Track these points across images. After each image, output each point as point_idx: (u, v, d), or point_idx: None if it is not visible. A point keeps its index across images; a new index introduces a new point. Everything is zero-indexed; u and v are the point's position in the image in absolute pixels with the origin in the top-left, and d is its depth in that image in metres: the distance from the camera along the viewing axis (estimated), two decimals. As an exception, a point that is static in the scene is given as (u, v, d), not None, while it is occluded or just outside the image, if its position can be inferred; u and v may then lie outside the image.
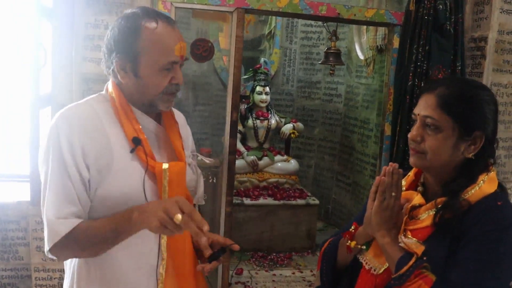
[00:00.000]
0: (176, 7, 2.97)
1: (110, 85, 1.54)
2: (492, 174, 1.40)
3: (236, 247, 1.54)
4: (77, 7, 2.78)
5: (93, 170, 1.41)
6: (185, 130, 1.75)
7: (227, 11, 3.11)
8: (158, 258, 1.50)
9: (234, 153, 3.25)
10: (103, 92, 1.57)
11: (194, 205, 1.74)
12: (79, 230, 1.38)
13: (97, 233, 1.38)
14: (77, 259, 1.50)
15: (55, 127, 1.42)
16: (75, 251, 1.45)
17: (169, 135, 1.58)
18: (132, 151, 1.45)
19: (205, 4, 2.99)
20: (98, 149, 1.42)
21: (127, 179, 1.44)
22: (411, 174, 1.55)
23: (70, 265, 1.53)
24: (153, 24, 1.45)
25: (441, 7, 3.12)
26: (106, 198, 1.43)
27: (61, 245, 1.40)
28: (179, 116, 1.75)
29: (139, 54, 1.44)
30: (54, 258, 1.46)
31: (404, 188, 1.51)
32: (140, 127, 1.49)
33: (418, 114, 1.41)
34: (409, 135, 1.43)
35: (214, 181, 3.71)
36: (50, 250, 1.42)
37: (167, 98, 1.51)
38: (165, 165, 1.48)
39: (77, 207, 1.41)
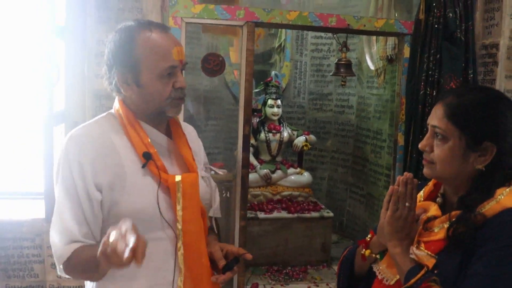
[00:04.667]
0: (186, 22, 2.99)
1: (116, 103, 1.55)
2: None
3: (249, 256, 1.54)
4: (89, 24, 2.81)
5: (105, 190, 1.42)
6: (197, 143, 1.75)
7: (237, 25, 3.13)
8: (174, 272, 1.49)
9: (247, 167, 3.25)
10: (112, 110, 1.57)
11: (210, 218, 1.73)
12: (75, 254, 1.40)
13: (87, 260, 1.37)
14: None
15: (65, 149, 1.44)
16: (80, 274, 1.46)
17: (178, 147, 1.58)
18: (143, 166, 1.46)
19: (215, 18, 3.02)
20: (110, 167, 1.43)
21: (140, 194, 1.44)
22: (430, 184, 1.53)
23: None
24: (147, 33, 1.46)
25: (451, 15, 3.11)
26: (122, 215, 1.41)
27: (67, 267, 1.42)
28: (189, 129, 1.76)
29: (137, 63, 1.45)
30: (68, 277, 1.48)
31: (422, 199, 1.49)
32: (150, 141, 1.49)
33: (429, 124, 1.41)
34: (419, 145, 1.42)
35: (228, 195, 3.71)
36: (63, 270, 1.45)
37: (176, 103, 1.50)
38: (178, 177, 1.48)
39: (84, 228, 1.42)
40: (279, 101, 4.83)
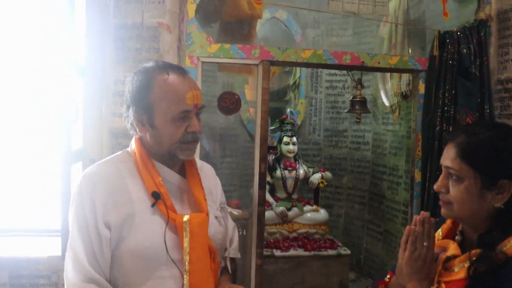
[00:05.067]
0: (202, 62, 3.04)
1: (133, 141, 1.58)
2: None
3: None
4: (107, 64, 2.87)
5: (114, 228, 1.44)
6: (214, 182, 1.75)
7: (253, 64, 3.17)
8: None
9: (263, 204, 3.23)
10: (128, 149, 1.60)
11: (225, 258, 1.72)
12: None
13: None
14: None
15: (79, 186, 1.48)
16: None
17: (191, 186, 1.58)
18: (153, 205, 1.48)
19: (231, 57, 3.06)
20: (120, 206, 1.45)
21: (149, 233, 1.46)
22: (448, 222, 1.51)
23: None
24: (164, 76, 1.50)
25: (465, 51, 3.13)
26: (129, 252, 1.45)
27: None
28: (207, 168, 1.77)
29: (152, 105, 1.48)
30: None
31: (440, 237, 1.47)
32: (161, 179, 1.51)
33: (442, 165, 1.40)
34: (434, 186, 1.41)
35: (244, 233, 3.68)
36: None
37: (186, 147, 1.52)
38: (186, 217, 1.49)
39: (95, 264, 1.43)
40: (294, 139, 4.84)
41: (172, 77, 1.50)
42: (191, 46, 3.00)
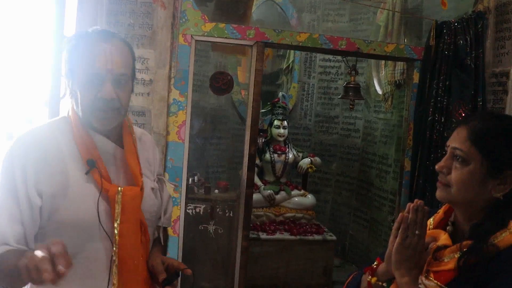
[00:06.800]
0: (196, 40, 3.00)
1: (70, 107, 1.55)
2: None
3: (189, 271, 1.51)
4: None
5: (47, 196, 1.41)
6: (152, 153, 1.73)
7: (247, 45, 3.13)
8: (108, 285, 1.46)
9: (251, 187, 3.22)
10: (66, 114, 1.57)
11: (158, 228, 1.71)
12: (3, 258, 1.36)
13: (10, 266, 1.32)
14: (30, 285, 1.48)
15: (10, 151, 1.45)
16: (3, 277, 1.40)
17: (126, 157, 1.55)
18: (87, 173, 1.45)
19: (225, 37, 3.02)
20: (53, 175, 1.42)
21: (82, 202, 1.43)
22: (440, 211, 1.49)
23: None
24: (85, 40, 1.46)
25: (461, 42, 3.11)
26: (62, 222, 1.42)
27: None
28: (146, 138, 1.74)
29: (73, 70, 1.46)
30: None
31: (431, 227, 1.46)
32: (96, 148, 1.48)
33: (449, 145, 1.37)
34: (436, 166, 1.39)
35: (231, 215, 3.68)
36: None
37: (100, 115, 1.46)
38: (119, 189, 1.46)
39: (18, 231, 1.40)
40: (285, 122, 4.82)
41: (92, 42, 1.45)
42: (185, 24, 2.95)
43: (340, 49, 3.20)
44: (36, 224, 1.43)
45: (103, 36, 1.48)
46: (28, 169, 1.41)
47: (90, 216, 1.43)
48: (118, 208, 1.45)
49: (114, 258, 1.45)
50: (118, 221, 1.45)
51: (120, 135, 1.59)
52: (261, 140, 4.80)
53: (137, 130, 1.71)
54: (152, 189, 1.63)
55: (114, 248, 1.44)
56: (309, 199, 4.81)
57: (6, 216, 1.40)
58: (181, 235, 3.07)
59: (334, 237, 4.53)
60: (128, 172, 1.55)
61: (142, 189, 1.54)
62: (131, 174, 1.54)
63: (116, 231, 1.45)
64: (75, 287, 1.45)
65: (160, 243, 1.70)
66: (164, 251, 1.70)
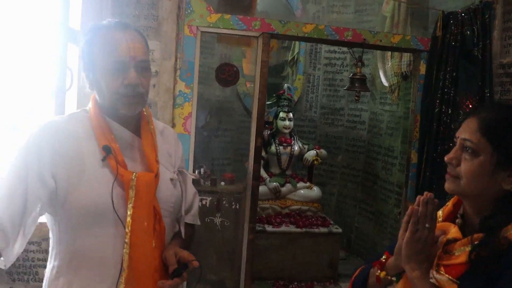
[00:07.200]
0: (202, 31, 2.98)
1: (90, 100, 1.60)
2: None
3: (196, 263, 1.50)
4: (104, 30, 2.80)
5: (61, 180, 1.44)
6: (174, 146, 1.76)
7: (253, 36, 3.11)
8: (120, 270, 1.47)
9: (258, 179, 3.22)
10: (86, 107, 1.62)
11: (180, 221, 1.71)
12: None
13: None
14: (50, 271, 1.56)
15: (28, 135, 1.48)
16: None
17: (143, 145, 1.59)
18: (103, 159, 1.48)
19: (231, 28, 3.00)
20: (70, 159, 1.46)
21: (97, 187, 1.46)
22: (449, 204, 1.47)
23: (46, 276, 1.59)
24: (103, 31, 1.52)
25: (468, 33, 3.09)
26: (77, 206, 1.44)
27: None
28: (168, 132, 1.78)
29: (94, 61, 1.51)
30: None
31: (440, 219, 1.43)
32: (114, 136, 1.52)
33: (458, 137, 1.35)
34: (445, 157, 1.37)
35: (237, 207, 3.67)
36: None
37: (126, 100, 1.51)
38: (134, 175, 1.49)
39: (11, 210, 1.43)
40: (290, 114, 4.80)
41: (110, 31, 1.51)
42: (190, 15, 2.93)
43: (346, 40, 3.18)
44: (37, 204, 1.45)
45: (120, 26, 1.54)
46: (44, 152, 1.44)
47: (104, 200, 1.45)
48: (132, 193, 1.47)
49: (126, 242, 1.46)
50: (131, 204, 1.47)
51: (138, 124, 1.62)
52: (266, 132, 4.79)
53: (159, 124, 1.75)
54: (171, 180, 1.64)
55: (127, 231, 1.46)
56: (315, 191, 4.80)
57: (3, 193, 1.43)
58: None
59: (339, 230, 4.53)
60: (144, 160, 1.58)
61: (157, 175, 1.56)
62: (147, 162, 1.57)
63: (129, 214, 1.47)
64: (87, 271, 1.48)
65: (181, 237, 1.70)
66: (186, 246, 1.69)
